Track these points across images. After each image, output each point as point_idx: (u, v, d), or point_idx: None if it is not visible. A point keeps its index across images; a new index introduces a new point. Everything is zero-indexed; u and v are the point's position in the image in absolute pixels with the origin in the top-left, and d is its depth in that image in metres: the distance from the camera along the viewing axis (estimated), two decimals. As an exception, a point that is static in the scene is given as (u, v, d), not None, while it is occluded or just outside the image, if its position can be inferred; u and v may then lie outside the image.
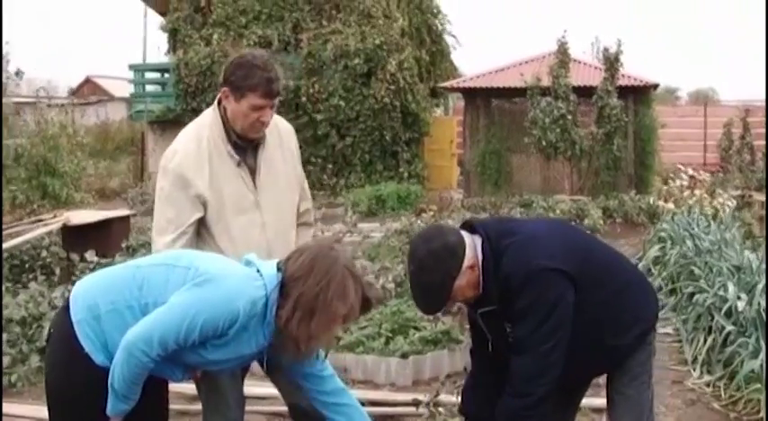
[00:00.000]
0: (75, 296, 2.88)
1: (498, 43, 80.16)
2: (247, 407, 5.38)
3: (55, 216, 9.49)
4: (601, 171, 17.27)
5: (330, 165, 19.78)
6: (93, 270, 6.50)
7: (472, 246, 3.13)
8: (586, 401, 3.78)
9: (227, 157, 3.39)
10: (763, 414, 5.10)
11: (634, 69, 18.16)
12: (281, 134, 3.59)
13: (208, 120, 3.46)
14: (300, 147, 3.78)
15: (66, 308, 2.86)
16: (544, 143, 16.24)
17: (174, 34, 21.18)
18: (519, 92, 17.23)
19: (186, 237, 3.34)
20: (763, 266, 6.89)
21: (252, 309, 2.70)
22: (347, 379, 6.06)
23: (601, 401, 4.55)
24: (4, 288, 7.72)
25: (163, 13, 21.83)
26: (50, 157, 13.09)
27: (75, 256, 8.60)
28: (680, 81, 70.94)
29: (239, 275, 2.80)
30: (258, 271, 2.80)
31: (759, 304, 6.02)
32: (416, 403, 4.40)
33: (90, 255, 8.29)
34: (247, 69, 3.32)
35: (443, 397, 4.35)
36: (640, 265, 10.03)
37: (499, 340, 3.25)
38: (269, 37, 20.16)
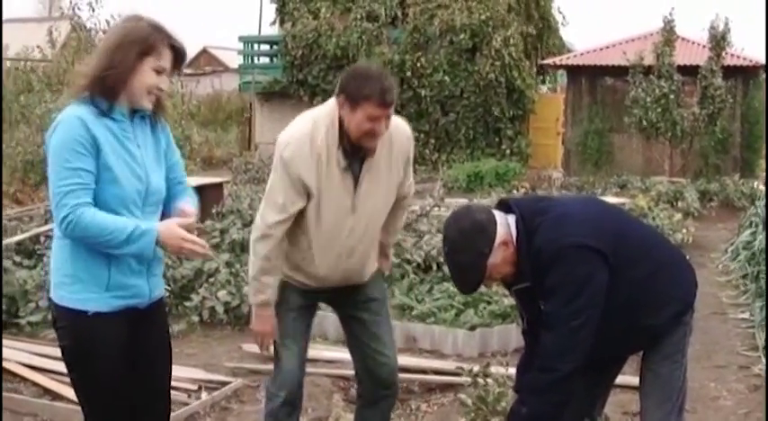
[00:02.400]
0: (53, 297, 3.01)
1: (610, 20, 78.49)
2: (315, 370, 5.64)
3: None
4: (705, 153, 16.93)
5: (432, 141, 19.84)
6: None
7: (505, 223, 3.18)
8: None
9: (335, 162, 3.47)
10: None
11: (754, 50, 17.70)
12: (392, 142, 3.59)
13: (325, 118, 3.50)
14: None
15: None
16: (645, 123, 15.94)
17: (282, 6, 21.54)
18: (622, 70, 16.90)
19: (289, 222, 3.52)
20: None
21: (87, 110, 2.85)
22: (416, 348, 6.24)
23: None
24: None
25: (274, -14, 22.22)
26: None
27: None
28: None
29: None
30: None
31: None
32: (458, 372, 4.52)
33: (181, 219, 8.58)
34: (362, 79, 3.36)
35: (493, 368, 4.45)
36: (730, 249, 9.88)
37: (535, 318, 3.30)
38: (376, 11, 20.32)
